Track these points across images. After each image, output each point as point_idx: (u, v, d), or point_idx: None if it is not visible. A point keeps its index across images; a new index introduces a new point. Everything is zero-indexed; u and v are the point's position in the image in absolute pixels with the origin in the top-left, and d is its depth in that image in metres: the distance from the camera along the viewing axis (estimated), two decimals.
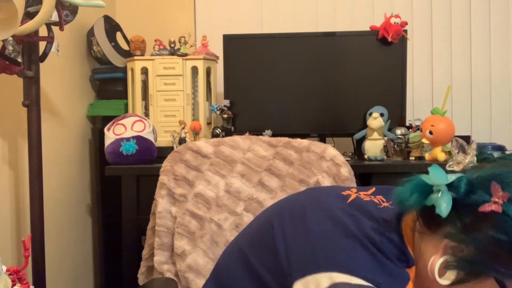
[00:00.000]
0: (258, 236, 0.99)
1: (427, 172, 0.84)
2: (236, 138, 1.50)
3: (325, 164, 1.45)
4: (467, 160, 0.84)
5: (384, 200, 0.94)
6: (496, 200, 0.76)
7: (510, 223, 0.75)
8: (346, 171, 1.45)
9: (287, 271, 0.87)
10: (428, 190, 0.82)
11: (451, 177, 0.81)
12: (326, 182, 1.42)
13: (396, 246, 0.85)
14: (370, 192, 0.98)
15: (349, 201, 0.93)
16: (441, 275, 0.81)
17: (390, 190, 0.95)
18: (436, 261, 0.81)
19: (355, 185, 1.48)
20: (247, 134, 1.82)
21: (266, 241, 0.95)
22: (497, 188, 0.77)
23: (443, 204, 0.79)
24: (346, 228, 0.86)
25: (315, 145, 1.48)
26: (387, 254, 0.83)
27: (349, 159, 1.96)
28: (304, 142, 1.50)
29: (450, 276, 0.80)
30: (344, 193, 0.96)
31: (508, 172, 0.80)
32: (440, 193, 0.80)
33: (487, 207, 0.76)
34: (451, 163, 0.89)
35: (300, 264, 0.85)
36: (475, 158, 0.86)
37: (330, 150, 1.47)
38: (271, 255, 0.92)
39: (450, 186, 0.80)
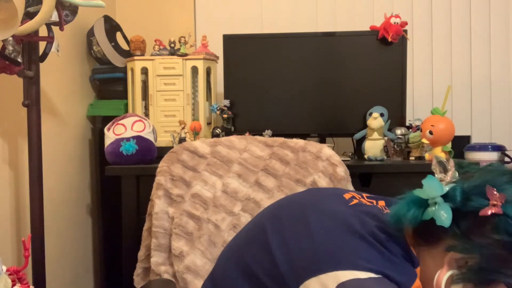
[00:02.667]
0: (252, 241, 0.98)
1: (427, 175, 0.84)
2: (232, 138, 1.50)
3: (321, 164, 1.45)
4: (448, 178, 0.84)
5: (386, 208, 0.94)
6: (495, 202, 0.76)
7: (511, 223, 0.75)
8: (342, 170, 1.45)
9: (289, 276, 0.86)
10: (424, 204, 0.82)
11: (445, 188, 0.81)
12: (323, 181, 1.42)
13: (401, 246, 0.85)
14: (371, 197, 0.98)
15: (351, 204, 0.92)
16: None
17: (389, 199, 0.95)
18: (442, 277, 0.80)
19: (351, 185, 1.49)
20: (247, 134, 1.82)
21: (261, 246, 0.94)
22: (493, 191, 0.77)
23: (443, 215, 0.79)
24: (350, 226, 0.86)
25: (311, 145, 1.48)
26: (393, 252, 0.83)
27: (349, 159, 1.96)
28: (300, 142, 1.50)
29: None
30: (345, 195, 0.96)
31: (497, 176, 0.80)
32: (437, 205, 0.80)
33: (487, 211, 0.76)
34: None
35: (304, 266, 0.84)
36: (457, 173, 0.86)
37: (326, 150, 1.47)
38: (268, 261, 0.91)
39: (445, 197, 0.80)
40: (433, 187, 0.81)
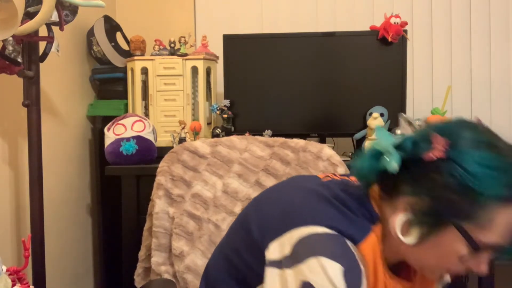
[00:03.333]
0: (235, 228, 1.04)
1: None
2: (233, 138, 1.50)
3: (321, 164, 1.45)
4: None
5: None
6: (438, 146, 0.81)
7: (454, 166, 0.79)
8: (342, 170, 1.45)
9: (261, 243, 0.90)
10: (379, 155, 0.86)
11: (396, 138, 0.86)
12: None
13: (362, 204, 0.89)
14: (345, 174, 1.02)
15: (324, 180, 0.97)
16: (405, 234, 0.84)
17: None
18: (395, 220, 0.85)
19: None
20: (247, 134, 1.82)
21: (241, 225, 1.00)
22: (437, 137, 0.81)
23: (392, 162, 0.83)
24: (315, 191, 0.91)
25: (312, 145, 1.49)
26: (352, 209, 0.87)
27: (349, 159, 1.96)
28: (301, 142, 1.50)
29: (413, 233, 0.83)
30: (321, 176, 1.00)
31: (446, 125, 0.85)
32: (388, 154, 0.84)
33: (429, 155, 0.81)
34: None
35: (271, 228, 0.89)
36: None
37: (326, 150, 1.47)
38: (247, 240, 0.95)
39: (398, 148, 0.84)
40: (384, 138, 0.86)
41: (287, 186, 0.99)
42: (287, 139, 1.51)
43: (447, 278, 1.04)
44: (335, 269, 0.80)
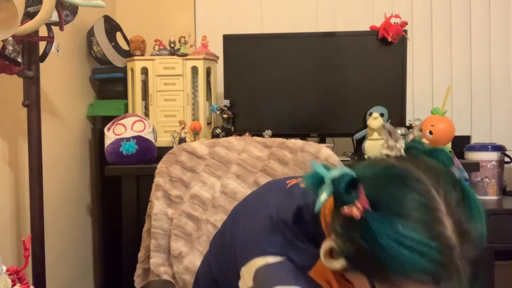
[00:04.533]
0: (215, 240, 1.12)
1: None
2: (231, 139, 1.50)
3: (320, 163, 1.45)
4: (398, 145, 0.86)
5: None
6: (358, 205, 0.75)
7: (369, 232, 0.74)
8: None
9: (234, 260, 0.96)
10: (321, 180, 0.81)
11: (339, 172, 0.80)
12: None
13: (311, 226, 0.89)
14: None
15: (288, 186, 0.98)
16: (333, 258, 0.83)
17: None
18: (324, 246, 0.84)
19: None
20: (247, 134, 1.82)
21: (221, 242, 1.07)
22: (362, 193, 0.76)
23: (320, 199, 0.79)
24: (269, 216, 0.93)
25: (310, 146, 1.49)
26: (299, 233, 0.89)
27: (349, 159, 1.96)
28: (299, 142, 1.50)
29: (339, 262, 0.82)
30: (288, 181, 1.01)
31: (378, 178, 0.79)
32: (324, 187, 0.80)
33: (346, 210, 0.76)
34: (385, 148, 0.90)
35: (238, 254, 0.95)
36: (404, 144, 0.87)
37: (324, 150, 1.47)
38: (222, 254, 1.03)
39: (333, 181, 0.79)
40: (323, 169, 0.81)
41: (253, 206, 1.02)
42: (285, 140, 1.51)
43: None
44: None
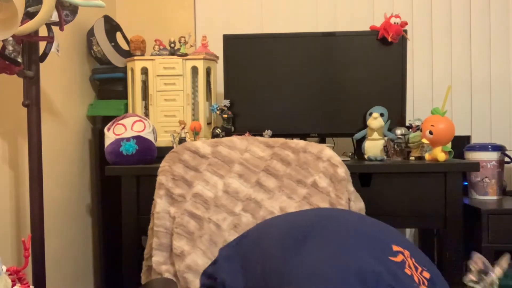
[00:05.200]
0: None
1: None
2: (234, 139, 1.51)
3: (321, 164, 1.46)
4: (488, 280, 0.78)
5: (426, 283, 0.88)
6: None
7: None
8: (342, 171, 1.45)
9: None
10: None
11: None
12: (323, 182, 1.43)
13: None
14: (420, 262, 0.91)
15: (394, 260, 0.87)
16: None
17: (436, 274, 0.88)
18: None
19: (351, 185, 1.49)
20: (247, 134, 1.82)
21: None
22: None
23: None
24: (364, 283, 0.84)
25: (312, 146, 1.49)
26: None
27: (349, 159, 1.96)
28: (301, 143, 1.51)
29: None
30: (394, 247, 0.89)
31: None
32: None
33: None
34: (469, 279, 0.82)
35: None
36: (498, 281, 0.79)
37: (326, 151, 1.47)
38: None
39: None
40: None
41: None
42: (287, 140, 1.51)
43: None
44: None
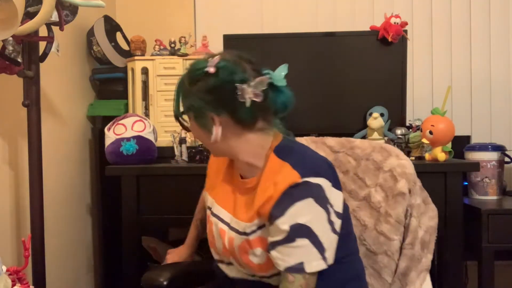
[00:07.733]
0: None
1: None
2: (302, 141, 1.45)
3: (381, 175, 1.32)
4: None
5: None
6: (210, 64, 1.13)
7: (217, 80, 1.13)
8: (403, 185, 1.29)
9: None
10: None
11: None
12: (378, 196, 1.32)
13: None
14: None
15: None
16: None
17: None
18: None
19: (417, 198, 1.33)
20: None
21: None
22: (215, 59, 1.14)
23: None
24: None
25: (378, 152, 1.34)
26: None
27: None
28: (368, 148, 1.36)
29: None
30: None
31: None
32: None
33: (205, 69, 1.14)
34: None
35: None
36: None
37: (391, 160, 1.32)
38: None
39: None
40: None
41: None
42: (357, 143, 1.39)
43: None
44: None
